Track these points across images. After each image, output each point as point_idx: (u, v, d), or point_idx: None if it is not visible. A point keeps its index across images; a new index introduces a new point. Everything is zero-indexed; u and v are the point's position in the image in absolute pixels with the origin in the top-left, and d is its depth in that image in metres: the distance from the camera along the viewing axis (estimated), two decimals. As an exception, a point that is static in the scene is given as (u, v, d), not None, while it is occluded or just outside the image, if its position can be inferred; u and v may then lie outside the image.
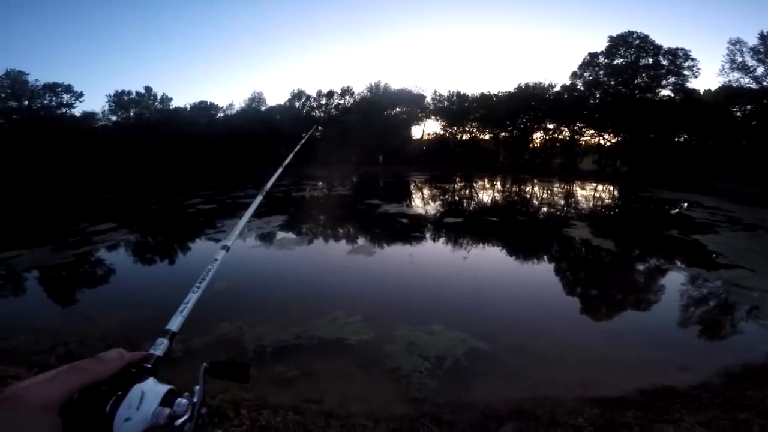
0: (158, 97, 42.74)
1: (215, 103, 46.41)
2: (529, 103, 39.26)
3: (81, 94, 38.13)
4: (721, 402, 3.73)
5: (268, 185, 1.40)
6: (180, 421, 0.58)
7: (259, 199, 1.23)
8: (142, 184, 28.04)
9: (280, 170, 1.53)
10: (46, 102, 36.51)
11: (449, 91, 44.33)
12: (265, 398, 4.08)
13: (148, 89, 42.18)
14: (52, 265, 9.60)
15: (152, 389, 0.58)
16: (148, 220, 15.81)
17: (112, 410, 0.53)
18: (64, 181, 28.84)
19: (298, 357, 5.16)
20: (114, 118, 41.18)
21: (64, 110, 37.64)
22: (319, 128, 44.21)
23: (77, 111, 39.08)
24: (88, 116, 40.04)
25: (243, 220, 1.05)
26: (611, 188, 28.12)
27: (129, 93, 41.35)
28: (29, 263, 9.70)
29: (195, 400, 0.61)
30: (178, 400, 0.59)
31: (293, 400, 4.16)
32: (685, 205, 19.52)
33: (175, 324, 0.71)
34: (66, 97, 37.51)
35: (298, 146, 2.20)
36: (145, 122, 39.57)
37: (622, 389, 4.20)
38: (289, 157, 1.78)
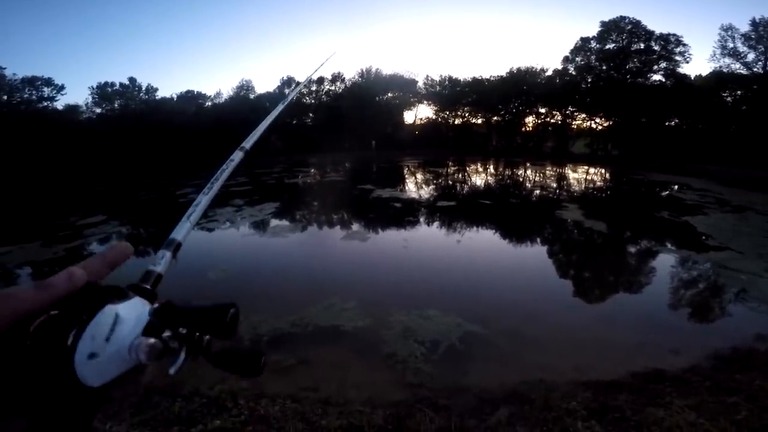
0: (143, 88, 41.57)
1: (203, 92, 45.21)
2: (521, 88, 39.08)
3: (62, 87, 36.95)
4: (710, 385, 3.79)
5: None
6: (176, 361, 0.42)
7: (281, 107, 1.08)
8: (131, 176, 27.60)
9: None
10: (26, 96, 35.35)
11: (441, 75, 43.93)
12: (263, 387, 4.09)
13: (132, 80, 40.98)
14: (44, 261, 9.44)
15: (133, 311, 0.42)
16: (139, 211, 15.61)
17: (74, 342, 0.37)
18: (51, 175, 28.18)
19: (294, 345, 5.17)
20: (98, 110, 39.99)
21: (45, 104, 36.42)
22: (311, 114, 43.66)
23: (59, 104, 37.83)
24: (72, 109, 38.79)
25: (264, 123, 0.94)
26: (603, 171, 28.30)
27: (113, 84, 40.16)
28: (20, 259, 9.49)
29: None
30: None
31: (290, 388, 4.18)
32: (676, 187, 19.72)
33: (181, 233, 0.56)
34: (47, 91, 36.32)
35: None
36: (130, 113, 38.51)
37: (614, 372, 4.26)
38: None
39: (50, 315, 0.39)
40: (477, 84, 41.56)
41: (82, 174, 29.05)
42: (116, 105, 40.18)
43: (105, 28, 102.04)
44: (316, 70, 1.64)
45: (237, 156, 0.80)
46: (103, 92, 39.88)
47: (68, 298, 0.41)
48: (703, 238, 10.12)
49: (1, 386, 0.36)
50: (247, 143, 0.87)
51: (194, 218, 0.59)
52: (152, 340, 0.40)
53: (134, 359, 0.39)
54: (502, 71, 42.50)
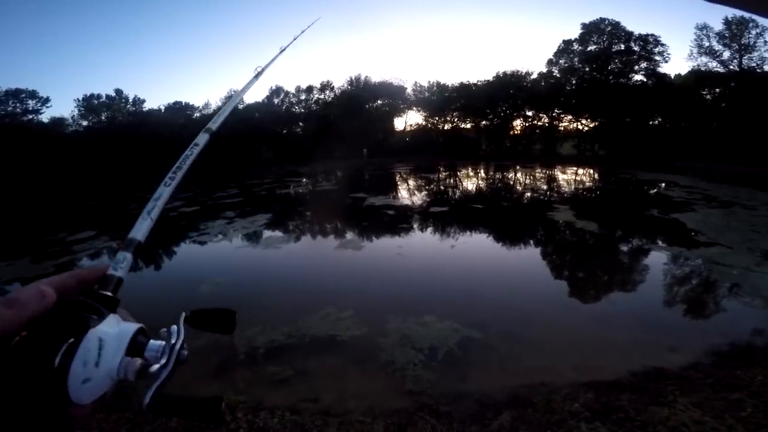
0: (130, 100, 41.37)
1: (191, 103, 45.03)
2: (508, 91, 39.63)
3: (47, 100, 36.66)
4: (712, 382, 3.76)
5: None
6: (154, 368, 0.45)
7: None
8: (121, 189, 27.24)
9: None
10: (9, 109, 34.94)
11: (429, 81, 44.41)
12: (261, 400, 4.03)
13: (118, 92, 40.75)
14: (34, 277, 9.25)
15: (113, 334, 0.44)
16: (129, 225, 15.36)
17: (63, 364, 0.39)
18: (39, 189, 27.75)
19: (291, 356, 5.10)
20: (85, 123, 39.64)
21: (30, 117, 36.07)
22: (301, 124, 43.64)
23: (45, 117, 37.51)
24: (57, 122, 38.35)
25: (233, 101, 0.91)
26: (591, 171, 28.65)
27: (99, 96, 39.88)
28: (9, 276, 9.33)
29: (173, 341, 0.47)
30: (151, 342, 0.46)
31: (289, 400, 4.12)
32: (663, 185, 20.02)
33: (141, 231, 0.55)
34: (31, 103, 35.99)
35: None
36: (118, 125, 38.16)
37: (614, 372, 4.25)
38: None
39: (28, 335, 0.40)
40: (464, 89, 42.02)
41: (70, 188, 28.62)
42: (103, 117, 39.88)
43: (90, 40, 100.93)
44: (296, 38, 1.50)
45: (202, 139, 0.72)
46: (89, 104, 39.58)
47: (43, 316, 0.42)
48: (693, 234, 10.25)
49: None
50: (214, 124, 0.80)
51: (155, 214, 0.57)
52: (139, 361, 0.44)
53: (122, 376, 0.43)
54: (489, 75, 43.24)
